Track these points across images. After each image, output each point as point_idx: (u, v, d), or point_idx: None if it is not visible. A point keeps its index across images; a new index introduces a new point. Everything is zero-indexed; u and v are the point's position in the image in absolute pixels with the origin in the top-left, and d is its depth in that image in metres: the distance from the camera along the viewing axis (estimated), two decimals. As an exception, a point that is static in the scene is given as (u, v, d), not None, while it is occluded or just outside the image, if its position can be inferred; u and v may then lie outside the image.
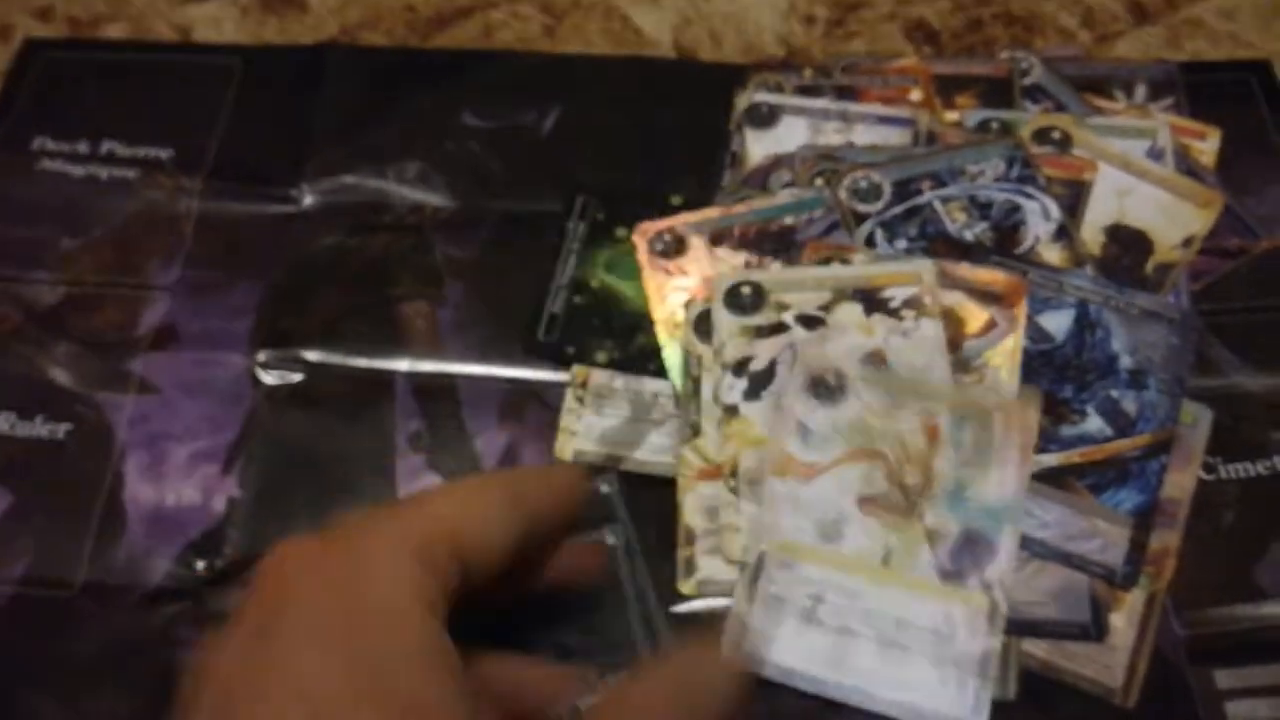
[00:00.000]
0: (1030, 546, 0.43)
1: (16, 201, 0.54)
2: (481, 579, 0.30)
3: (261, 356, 0.49)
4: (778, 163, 0.52)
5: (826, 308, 0.46)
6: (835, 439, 0.43)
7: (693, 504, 0.44)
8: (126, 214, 0.53)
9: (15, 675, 0.43)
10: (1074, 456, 0.44)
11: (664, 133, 0.55)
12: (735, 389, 0.45)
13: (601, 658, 0.41)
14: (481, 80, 0.57)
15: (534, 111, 0.56)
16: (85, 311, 0.50)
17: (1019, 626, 0.42)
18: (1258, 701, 0.41)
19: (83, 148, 0.55)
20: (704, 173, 0.53)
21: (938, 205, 0.49)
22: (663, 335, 0.48)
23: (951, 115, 0.53)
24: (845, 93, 0.54)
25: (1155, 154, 0.51)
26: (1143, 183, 0.50)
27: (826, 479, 0.43)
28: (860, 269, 0.47)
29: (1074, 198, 0.50)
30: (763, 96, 0.54)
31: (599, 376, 0.47)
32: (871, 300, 0.46)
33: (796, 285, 0.47)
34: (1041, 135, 0.51)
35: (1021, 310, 0.46)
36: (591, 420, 0.46)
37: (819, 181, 0.50)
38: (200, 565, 0.45)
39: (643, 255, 0.49)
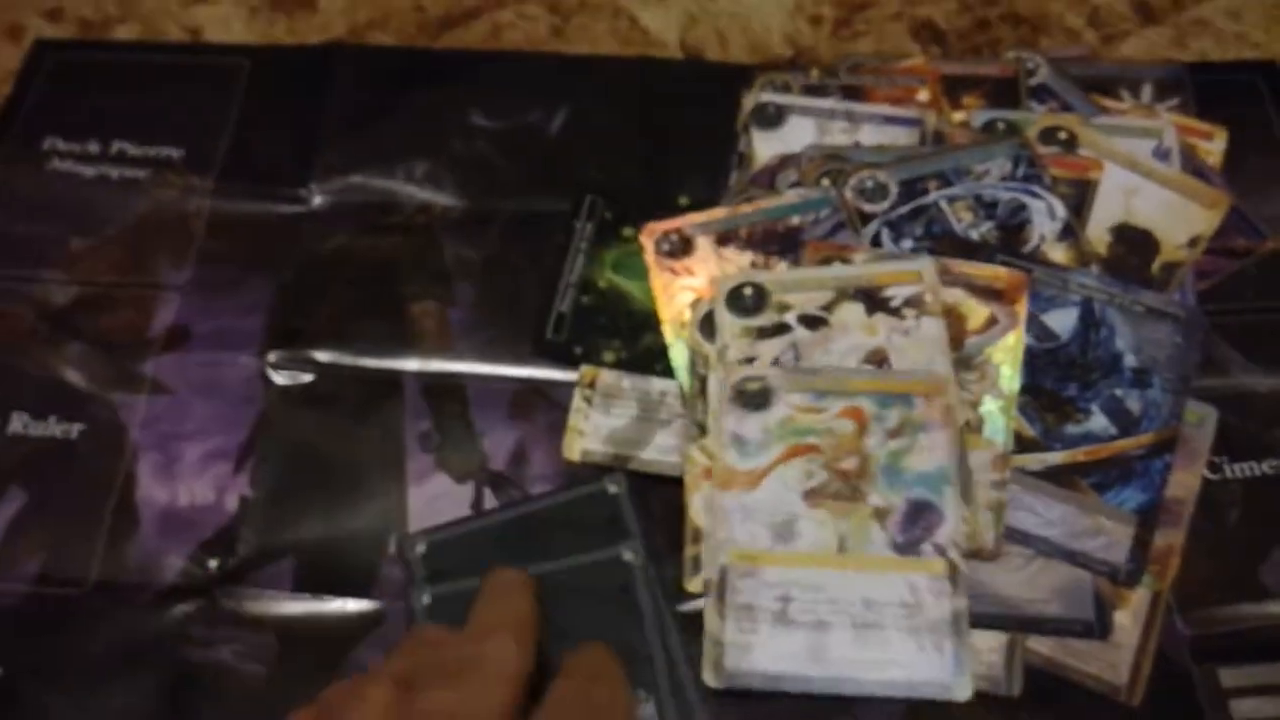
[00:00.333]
0: (1035, 544, 0.43)
1: (27, 201, 0.54)
2: None
3: (272, 357, 0.49)
4: (784, 163, 0.52)
5: (828, 308, 0.46)
6: (769, 442, 0.44)
7: (699, 503, 0.44)
8: (137, 214, 0.54)
9: (28, 672, 0.43)
10: (1078, 455, 0.44)
11: (671, 133, 0.55)
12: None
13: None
14: (489, 80, 0.57)
15: (542, 111, 0.56)
16: (97, 312, 0.51)
17: (1023, 623, 0.42)
18: (1262, 700, 0.41)
19: (93, 148, 0.55)
20: (711, 173, 0.53)
21: (944, 205, 0.49)
22: (669, 335, 0.48)
23: (958, 115, 0.53)
24: (852, 93, 0.54)
25: (1161, 154, 0.51)
26: (1149, 182, 0.50)
27: (770, 482, 0.43)
28: (861, 268, 0.47)
29: (1080, 197, 0.50)
30: (769, 96, 0.54)
31: (607, 376, 0.48)
32: (873, 299, 0.46)
33: (798, 286, 0.47)
34: (1048, 135, 0.51)
35: (1023, 306, 0.46)
36: (599, 420, 0.47)
37: (825, 181, 0.50)
38: (212, 564, 0.45)
39: (650, 255, 0.50)
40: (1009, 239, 0.49)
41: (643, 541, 0.43)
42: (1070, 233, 0.49)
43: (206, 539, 0.46)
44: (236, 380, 0.49)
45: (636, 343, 0.49)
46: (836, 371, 0.45)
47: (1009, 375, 0.45)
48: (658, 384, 0.48)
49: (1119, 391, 0.45)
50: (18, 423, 0.48)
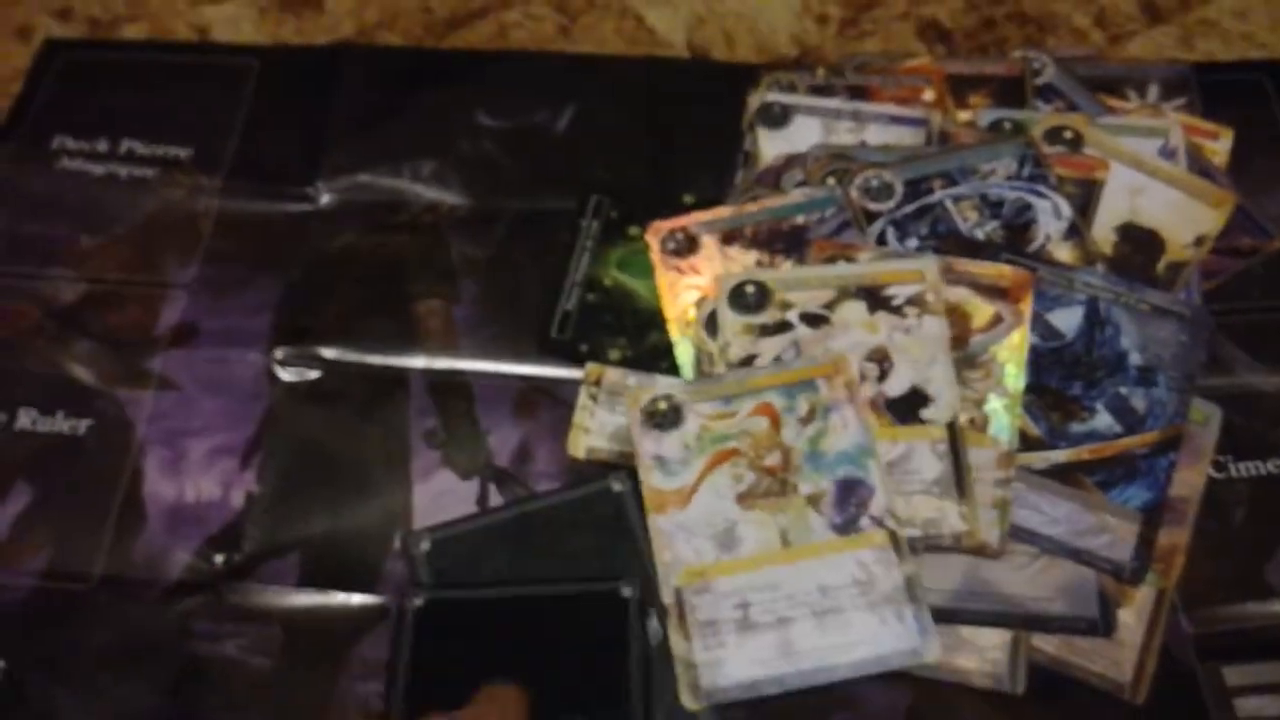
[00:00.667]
0: (1039, 542, 0.43)
1: (37, 199, 0.54)
2: None
3: (279, 354, 0.50)
4: (790, 162, 0.52)
5: (830, 306, 0.46)
6: (690, 457, 0.44)
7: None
8: (145, 212, 0.54)
9: (34, 666, 0.43)
10: (1083, 453, 0.44)
11: (677, 132, 0.55)
12: None
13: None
14: (496, 80, 0.57)
15: (548, 111, 0.56)
16: (105, 309, 0.51)
17: (1028, 621, 0.42)
18: (1267, 698, 0.41)
19: (102, 146, 0.56)
20: (717, 172, 0.53)
21: (949, 204, 0.49)
22: (674, 333, 0.48)
23: (964, 115, 0.53)
24: (858, 92, 0.54)
25: (1167, 153, 0.51)
26: (1154, 182, 0.50)
27: (701, 495, 0.43)
28: (864, 267, 0.47)
29: (1086, 197, 0.50)
30: (775, 96, 0.54)
31: (612, 374, 0.48)
32: (875, 298, 0.46)
33: (801, 284, 0.47)
34: (1054, 134, 0.51)
35: (1028, 305, 0.46)
36: (604, 417, 0.47)
37: (831, 181, 0.50)
38: (219, 559, 0.45)
39: (655, 254, 0.50)
40: (1014, 238, 0.49)
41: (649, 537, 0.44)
42: (1075, 232, 0.49)
43: (213, 534, 0.46)
44: (244, 377, 0.49)
45: (641, 341, 0.49)
46: (736, 373, 0.45)
47: (1014, 374, 0.45)
48: (663, 383, 0.47)
49: (1124, 390, 0.45)
50: (25, 418, 0.48)
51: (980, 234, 0.49)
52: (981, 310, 0.46)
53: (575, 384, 0.48)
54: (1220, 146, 0.52)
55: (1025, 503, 0.43)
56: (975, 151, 0.50)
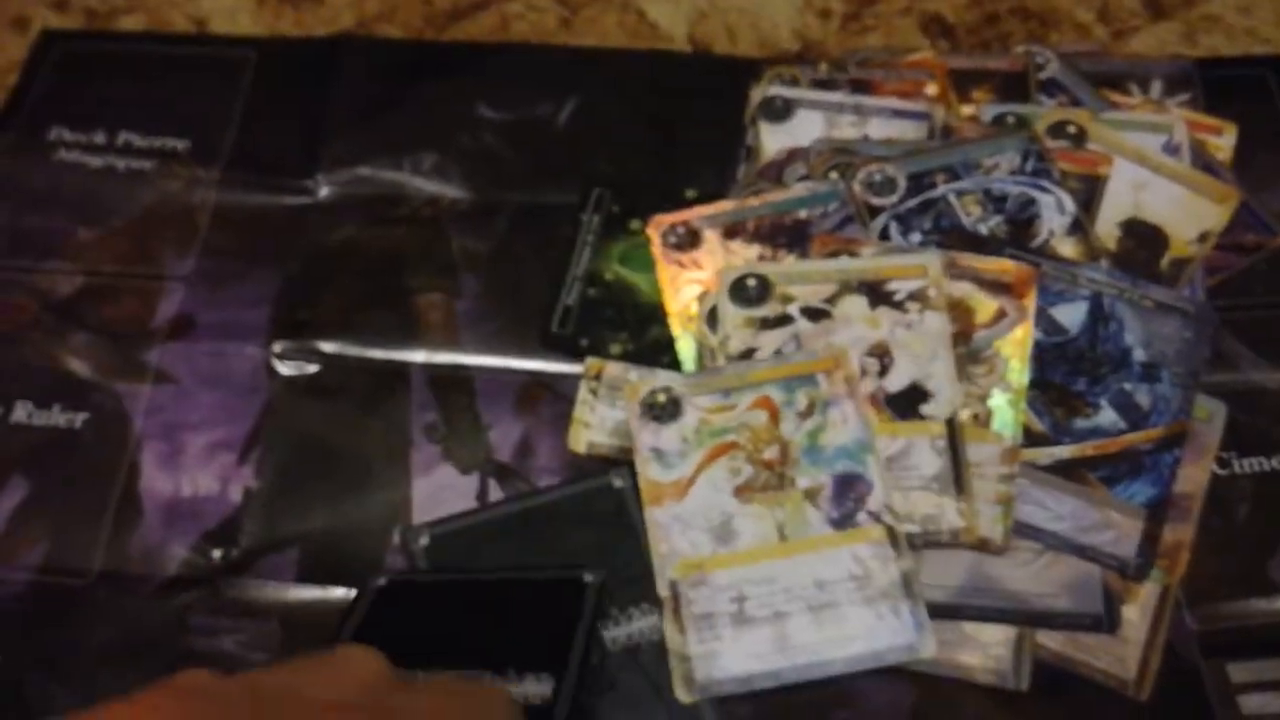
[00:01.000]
0: (1043, 538, 0.43)
1: (34, 192, 0.54)
2: None
3: (278, 347, 0.49)
4: (792, 156, 0.52)
5: (831, 300, 0.46)
6: (689, 450, 0.44)
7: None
8: (143, 204, 0.53)
9: (31, 662, 0.43)
10: (1087, 449, 0.44)
11: (679, 126, 0.55)
12: None
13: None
14: (497, 73, 0.57)
15: (550, 104, 0.56)
16: (102, 301, 0.51)
17: (1032, 618, 0.42)
18: (1271, 695, 0.41)
19: (99, 138, 0.55)
20: (719, 166, 0.53)
21: (952, 199, 0.49)
22: (676, 327, 0.48)
23: (967, 109, 0.53)
24: (860, 86, 0.54)
25: (1171, 149, 0.51)
26: (1158, 178, 0.50)
27: (698, 488, 0.43)
28: (866, 262, 0.47)
29: (1089, 192, 0.50)
30: (778, 90, 0.53)
31: (613, 369, 0.47)
32: (876, 293, 0.46)
33: (802, 278, 0.47)
34: (1057, 130, 0.51)
35: (1031, 300, 0.46)
36: (605, 412, 0.47)
37: (834, 175, 0.50)
38: (216, 554, 0.45)
39: (656, 248, 0.49)
40: (1018, 233, 0.49)
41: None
42: (1079, 227, 0.48)
43: (210, 529, 0.45)
44: (242, 371, 0.49)
45: (643, 335, 0.48)
46: (736, 367, 0.45)
47: (1018, 369, 0.45)
48: (664, 378, 0.47)
49: (1128, 386, 0.45)
50: (21, 412, 0.48)
51: (984, 229, 0.49)
52: (985, 305, 0.46)
53: (577, 379, 0.47)
54: (1224, 142, 0.52)
55: (1029, 499, 0.43)
56: (979, 146, 0.50)
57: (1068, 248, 0.48)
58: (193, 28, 0.60)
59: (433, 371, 0.49)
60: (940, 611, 0.41)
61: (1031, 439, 0.44)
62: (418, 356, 0.49)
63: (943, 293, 0.46)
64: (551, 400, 0.48)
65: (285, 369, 0.49)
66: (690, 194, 0.52)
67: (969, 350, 0.45)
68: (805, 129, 0.53)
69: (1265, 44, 0.58)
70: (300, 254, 0.52)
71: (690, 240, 0.49)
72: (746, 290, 0.47)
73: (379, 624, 0.41)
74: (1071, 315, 0.46)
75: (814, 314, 0.46)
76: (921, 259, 0.47)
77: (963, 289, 0.46)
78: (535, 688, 0.37)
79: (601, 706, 0.41)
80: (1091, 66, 0.55)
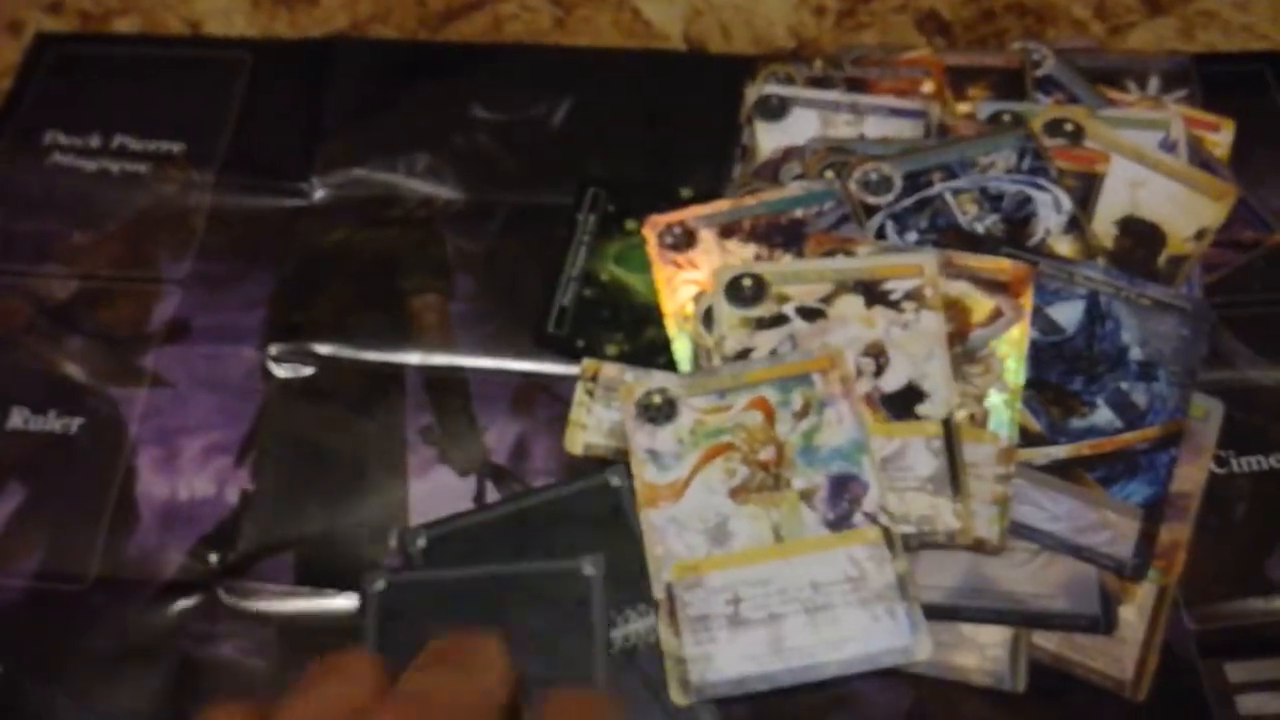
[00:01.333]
0: (1040, 539, 0.43)
1: (28, 196, 0.54)
2: None
3: (273, 350, 0.49)
4: (788, 155, 0.51)
5: (827, 300, 0.46)
6: (684, 451, 0.44)
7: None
8: (138, 208, 0.53)
9: (29, 669, 0.43)
10: (1084, 449, 0.44)
11: (674, 125, 0.55)
12: None
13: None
14: (491, 73, 0.57)
15: (544, 104, 0.56)
16: (97, 306, 0.51)
17: (1029, 619, 0.42)
18: (1268, 695, 0.41)
19: (94, 142, 0.55)
20: (715, 165, 0.53)
21: (948, 197, 0.49)
22: (672, 328, 0.48)
23: (963, 107, 0.53)
24: (856, 85, 0.54)
25: (1168, 146, 0.51)
26: (1155, 175, 0.50)
27: (694, 489, 0.43)
28: (862, 261, 0.47)
29: (1086, 190, 0.50)
30: (773, 88, 0.53)
31: (609, 370, 0.47)
32: (872, 292, 0.46)
33: (798, 277, 0.47)
34: (1054, 127, 0.51)
35: (1028, 299, 0.46)
36: (601, 413, 0.46)
37: (829, 174, 0.50)
38: (213, 558, 0.45)
39: (652, 248, 0.49)
40: (1014, 232, 0.48)
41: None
42: (1076, 225, 0.48)
43: (207, 533, 0.45)
44: (237, 374, 0.49)
45: (639, 336, 0.48)
46: (732, 367, 0.45)
47: (1014, 368, 0.45)
48: (660, 379, 0.47)
49: (1125, 385, 0.45)
50: (18, 417, 0.48)
51: (980, 227, 0.48)
52: (981, 304, 0.46)
53: (572, 380, 0.47)
54: (1221, 138, 0.52)
55: (1026, 499, 0.43)
56: (975, 144, 0.50)
57: (1064, 246, 0.48)
58: (187, 30, 0.60)
59: (428, 373, 0.49)
60: (936, 613, 0.41)
61: (1028, 439, 0.44)
62: (413, 358, 0.49)
63: (939, 292, 0.46)
64: (547, 402, 0.48)
65: (281, 371, 0.49)
66: (686, 193, 0.52)
67: (965, 349, 0.45)
68: (801, 127, 0.52)
69: (1262, 39, 0.57)
70: (295, 256, 0.52)
71: (686, 240, 0.49)
72: (742, 290, 0.47)
73: (394, 634, 0.41)
74: (1068, 314, 0.46)
75: (809, 314, 0.46)
76: (917, 258, 0.46)
77: (959, 288, 0.46)
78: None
79: None
80: (1088, 63, 0.55)
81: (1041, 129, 0.50)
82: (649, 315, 0.49)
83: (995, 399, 0.44)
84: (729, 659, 0.40)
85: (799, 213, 0.49)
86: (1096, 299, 0.46)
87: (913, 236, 0.48)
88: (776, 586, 0.41)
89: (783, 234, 0.49)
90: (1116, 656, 0.41)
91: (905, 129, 0.52)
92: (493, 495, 0.46)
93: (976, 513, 0.42)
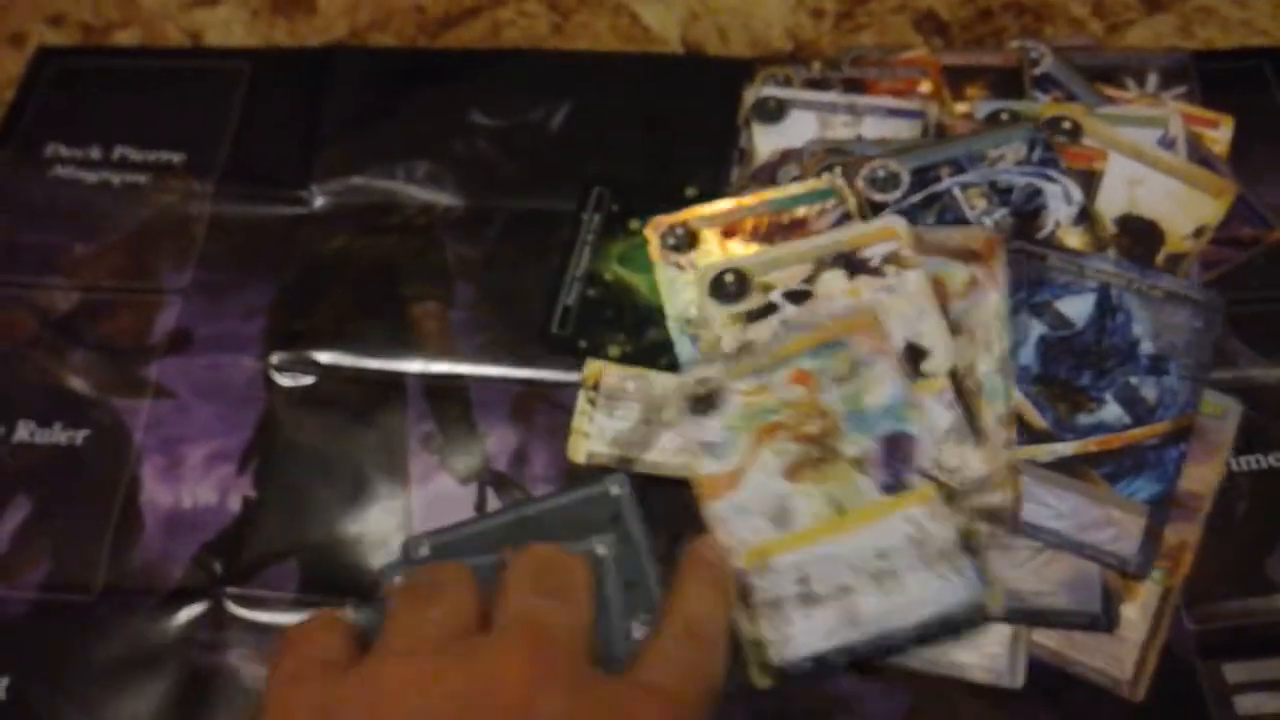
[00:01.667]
0: (1043, 536, 0.43)
1: (30, 208, 0.54)
2: None
3: (274, 359, 0.49)
4: (786, 157, 0.52)
5: (810, 280, 0.46)
6: (735, 437, 0.44)
7: None
8: (139, 219, 0.54)
9: (36, 680, 0.43)
10: (1090, 445, 0.44)
11: (672, 129, 0.55)
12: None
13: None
14: (490, 79, 0.57)
15: (543, 109, 0.56)
16: (100, 317, 0.51)
17: (1029, 616, 0.42)
18: (1267, 695, 0.41)
19: (95, 153, 0.56)
20: (713, 169, 0.53)
21: (957, 192, 0.49)
22: (674, 330, 0.48)
23: (961, 106, 0.53)
24: (854, 86, 0.54)
25: (1167, 143, 0.51)
26: (1154, 172, 0.50)
27: (750, 475, 0.43)
28: (835, 235, 0.47)
29: (1084, 188, 0.49)
30: (771, 91, 0.53)
31: (610, 377, 0.47)
32: (852, 263, 0.46)
33: (777, 263, 0.47)
34: (1052, 125, 0.50)
35: (1000, 264, 0.46)
36: (603, 422, 0.47)
37: (828, 175, 0.50)
38: (217, 565, 0.45)
39: (655, 249, 0.49)
40: (1023, 225, 0.48)
41: (648, 541, 0.43)
42: (1086, 217, 0.48)
43: (210, 540, 0.46)
44: (239, 383, 0.49)
45: (641, 337, 0.48)
46: (765, 344, 0.45)
47: (998, 334, 0.45)
48: (662, 384, 0.47)
49: (1134, 379, 0.45)
50: (24, 430, 0.48)
51: (989, 221, 0.48)
52: (956, 276, 0.46)
53: (572, 387, 0.47)
54: (1220, 135, 0.52)
55: (1030, 496, 0.43)
56: (984, 137, 0.50)
57: (1074, 238, 0.48)
58: (187, 41, 0.60)
59: (429, 381, 0.49)
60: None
61: (1033, 435, 0.44)
62: (413, 366, 0.49)
63: (915, 251, 0.46)
64: (548, 409, 0.48)
65: (282, 380, 0.49)
66: (691, 192, 0.52)
67: (949, 323, 0.45)
68: (799, 130, 0.52)
69: (1261, 35, 0.57)
70: (296, 264, 0.52)
71: (689, 241, 0.49)
72: (725, 286, 0.47)
73: None
74: (1078, 308, 0.46)
75: (797, 296, 0.46)
76: (887, 222, 0.47)
77: (932, 264, 0.46)
78: None
79: None
80: (1086, 61, 0.54)
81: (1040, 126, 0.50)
82: (651, 316, 0.49)
83: (985, 367, 0.44)
84: (805, 638, 0.41)
85: (800, 211, 0.49)
86: (1107, 292, 0.46)
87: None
88: (842, 560, 0.41)
89: (785, 234, 0.49)
90: (1116, 655, 0.41)
91: (903, 129, 0.52)
92: (494, 503, 0.46)
93: (998, 456, 0.43)
